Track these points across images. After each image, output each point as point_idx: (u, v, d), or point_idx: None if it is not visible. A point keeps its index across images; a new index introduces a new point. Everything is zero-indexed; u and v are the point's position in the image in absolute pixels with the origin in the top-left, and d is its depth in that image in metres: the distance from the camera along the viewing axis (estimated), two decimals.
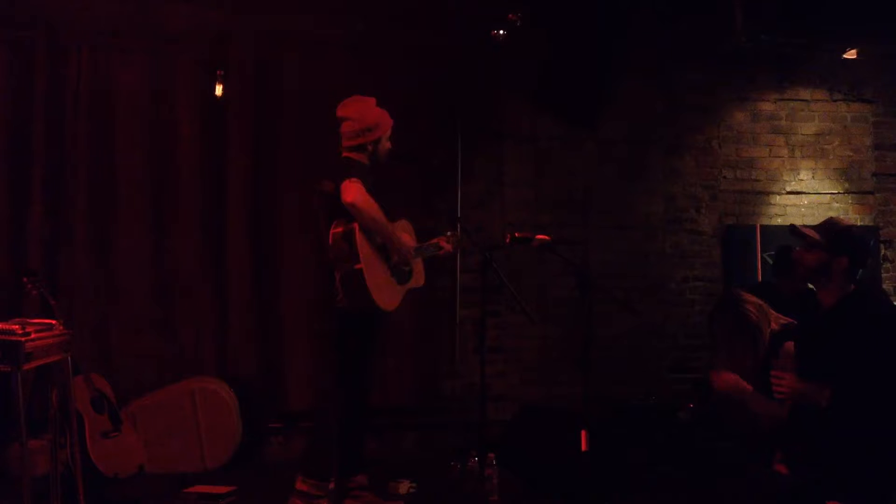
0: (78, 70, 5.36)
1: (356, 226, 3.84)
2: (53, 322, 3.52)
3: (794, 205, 6.62)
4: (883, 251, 6.68)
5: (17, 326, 3.21)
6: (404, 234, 4.21)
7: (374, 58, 5.73)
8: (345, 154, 4.12)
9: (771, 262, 6.09)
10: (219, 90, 5.49)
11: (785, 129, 6.65)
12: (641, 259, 6.34)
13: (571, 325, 5.75)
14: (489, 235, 5.76)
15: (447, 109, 5.84)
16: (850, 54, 6.37)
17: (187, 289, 5.50)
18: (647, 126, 6.39)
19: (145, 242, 5.47)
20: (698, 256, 6.47)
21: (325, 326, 4.11)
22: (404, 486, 4.59)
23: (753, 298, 3.51)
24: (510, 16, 5.23)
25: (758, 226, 6.50)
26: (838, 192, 6.69)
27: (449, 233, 4.40)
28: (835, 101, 6.71)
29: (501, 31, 5.30)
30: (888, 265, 6.72)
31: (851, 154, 6.71)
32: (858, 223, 6.43)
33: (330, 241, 3.90)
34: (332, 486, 4.03)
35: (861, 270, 3.03)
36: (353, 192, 3.79)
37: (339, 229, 3.88)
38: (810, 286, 3.26)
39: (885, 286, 6.62)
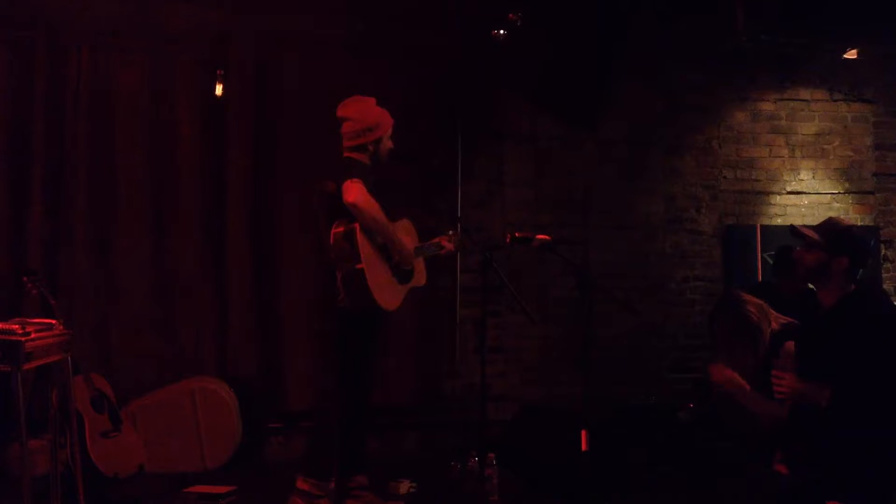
0: (78, 70, 5.36)
1: (357, 226, 3.84)
2: (53, 322, 3.52)
3: (795, 205, 6.62)
4: (883, 251, 6.68)
5: (17, 326, 3.21)
6: (406, 234, 4.21)
7: (374, 58, 5.72)
8: (346, 154, 4.13)
9: (771, 262, 6.09)
10: (219, 90, 5.49)
11: (785, 129, 6.65)
12: (641, 259, 6.34)
13: (571, 325, 5.75)
14: (489, 235, 5.75)
15: (447, 109, 5.84)
16: (851, 54, 6.37)
17: (187, 289, 5.50)
18: (647, 126, 6.39)
19: (145, 242, 5.46)
20: (698, 256, 6.46)
21: (325, 326, 4.11)
22: (404, 486, 4.59)
23: (754, 299, 3.51)
24: (510, 16, 5.23)
25: (758, 226, 6.50)
26: (839, 192, 6.69)
27: (450, 232, 4.40)
28: (835, 101, 6.70)
29: (501, 31, 5.30)
30: (888, 265, 6.71)
31: (852, 154, 6.71)
32: (859, 223, 6.44)
33: (331, 240, 3.90)
34: (332, 485, 4.04)
35: (861, 270, 3.03)
36: (355, 192, 3.79)
37: (341, 229, 3.89)
38: (811, 286, 3.26)
39: (885, 286, 6.62)
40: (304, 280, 5.47)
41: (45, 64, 5.31)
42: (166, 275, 5.49)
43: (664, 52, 6.33)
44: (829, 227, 3.07)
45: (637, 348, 6.19)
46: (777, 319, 3.44)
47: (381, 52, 5.77)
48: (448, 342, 5.91)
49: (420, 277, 4.34)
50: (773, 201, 6.60)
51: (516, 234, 4.15)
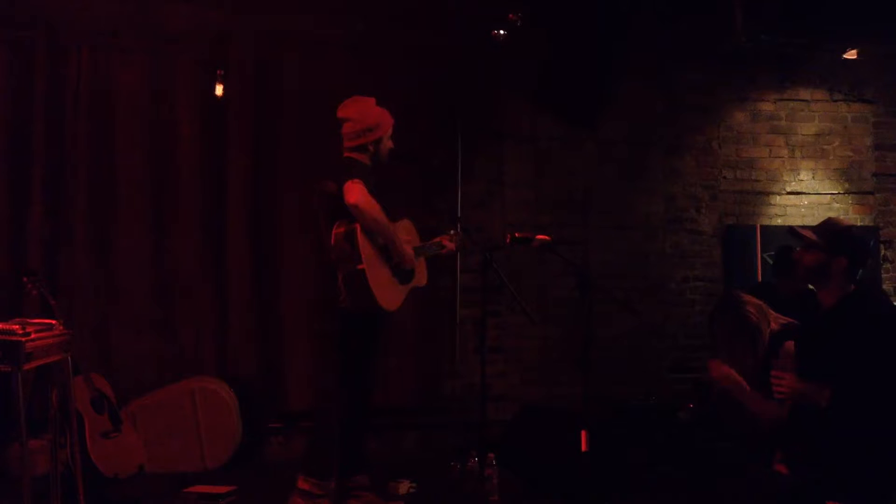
0: (78, 70, 5.36)
1: (358, 226, 3.84)
2: (53, 322, 3.52)
3: (795, 205, 6.62)
4: (883, 251, 6.68)
5: (17, 326, 3.20)
6: (406, 234, 4.21)
7: (374, 58, 5.72)
8: (346, 155, 4.12)
9: (771, 262, 6.09)
10: (219, 90, 5.49)
11: (785, 129, 6.65)
12: (641, 259, 6.34)
13: (571, 325, 5.75)
14: (489, 235, 5.75)
15: (447, 109, 5.84)
16: (851, 54, 6.37)
17: (187, 289, 5.50)
18: (647, 126, 6.39)
19: (145, 242, 5.46)
20: (698, 256, 6.47)
21: (325, 326, 4.11)
22: (404, 486, 4.59)
23: (753, 299, 3.52)
24: (510, 16, 5.23)
25: (758, 226, 6.50)
26: (838, 193, 6.69)
27: (452, 231, 4.40)
28: (835, 101, 6.71)
29: (501, 31, 5.30)
30: (888, 265, 6.72)
31: (851, 154, 6.71)
32: (858, 223, 6.44)
33: (332, 241, 3.90)
34: (333, 485, 4.04)
35: (861, 271, 3.03)
36: (356, 193, 3.79)
37: (342, 230, 3.89)
38: (810, 287, 3.27)
39: (885, 286, 6.62)
40: (304, 280, 5.47)
41: (45, 64, 5.31)
42: (166, 275, 5.49)
43: (664, 52, 6.33)
44: (829, 228, 3.07)
45: (637, 348, 6.19)
46: (776, 320, 3.45)
47: (381, 52, 5.77)
48: (448, 342, 5.91)
49: (421, 277, 4.34)
50: (772, 201, 6.60)
51: (516, 235, 4.15)
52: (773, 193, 6.61)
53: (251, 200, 5.58)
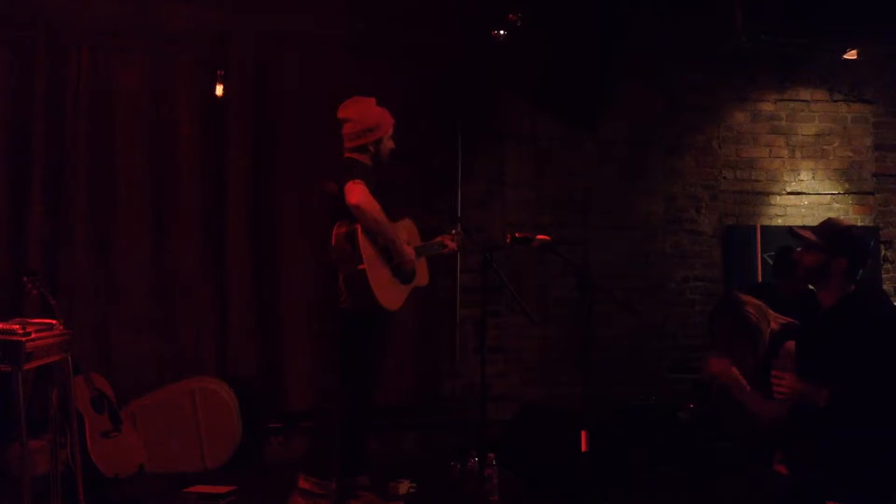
0: (78, 70, 5.36)
1: (359, 227, 3.84)
2: (53, 322, 3.52)
3: (795, 205, 6.62)
4: (883, 252, 6.68)
5: (17, 326, 3.20)
6: (408, 234, 4.21)
7: (374, 58, 5.73)
8: (347, 155, 4.13)
9: (771, 262, 6.09)
10: (219, 90, 5.49)
11: (785, 129, 6.65)
12: (641, 259, 6.34)
13: (571, 325, 5.74)
14: (489, 235, 5.75)
15: (447, 109, 5.84)
16: (851, 55, 6.37)
17: (187, 289, 5.50)
18: (647, 126, 6.39)
19: (145, 242, 5.46)
20: (698, 257, 6.47)
21: (325, 326, 4.11)
22: (404, 486, 4.59)
23: (753, 300, 3.52)
24: (510, 16, 5.23)
25: (758, 226, 6.50)
26: (838, 193, 6.69)
27: (453, 231, 4.41)
28: (835, 101, 6.71)
29: (501, 31, 5.29)
30: (888, 266, 6.72)
31: (852, 155, 6.71)
32: (858, 224, 6.44)
33: (333, 241, 3.90)
34: (333, 485, 4.03)
35: (861, 271, 3.03)
36: (357, 193, 3.79)
37: (342, 230, 3.89)
38: (811, 287, 3.27)
39: (885, 287, 6.62)
40: (304, 280, 5.46)
41: (45, 64, 5.31)
42: (166, 275, 5.49)
43: (664, 52, 6.33)
44: (829, 228, 3.07)
45: (637, 348, 6.19)
46: (776, 320, 3.45)
47: (381, 52, 5.77)
48: (448, 342, 5.91)
49: (422, 277, 4.34)
50: (773, 202, 6.60)
51: (516, 235, 4.15)
52: (774, 194, 6.61)
53: (251, 200, 5.58)
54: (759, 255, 6.44)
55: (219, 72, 5.48)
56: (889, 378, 2.82)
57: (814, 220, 6.33)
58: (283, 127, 5.66)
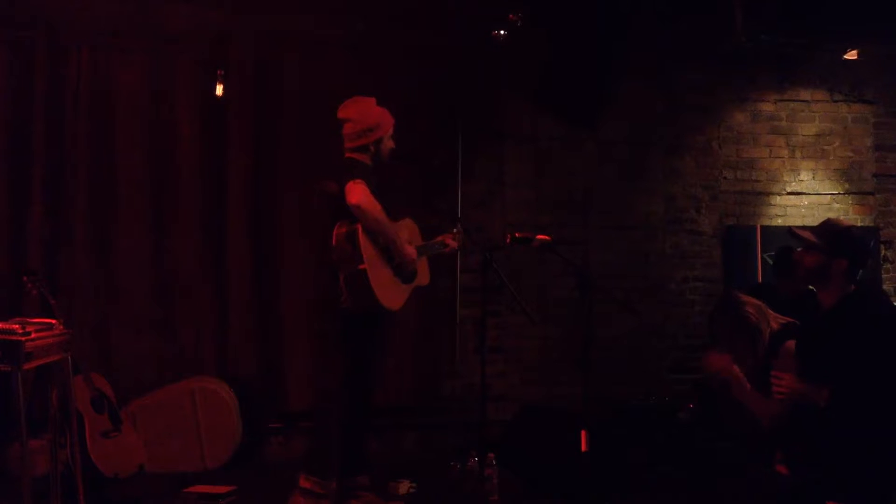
0: (78, 70, 5.36)
1: (359, 227, 3.84)
2: (53, 322, 3.52)
3: (795, 205, 6.62)
4: (883, 252, 6.68)
5: (17, 326, 3.20)
6: (409, 233, 4.22)
7: (374, 58, 5.72)
8: (347, 155, 4.13)
9: (771, 262, 6.09)
10: (219, 90, 5.49)
11: (785, 129, 6.65)
12: (641, 259, 6.34)
13: (571, 325, 5.74)
14: (489, 235, 5.75)
15: (447, 109, 5.84)
16: (851, 55, 6.37)
17: (187, 289, 5.50)
18: (647, 126, 6.39)
19: (145, 242, 5.46)
20: (698, 257, 6.47)
21: (325, 326, 4.11)
22: (404, 486, 4.59)
23: (752, 300, 3.52)
24: (510, 16, 5.23)
25: (758, 226, 6.50)
26: (839, 193, 6.68)
27: (455, 230, 4.41)
28: (835, 101, 6.70)
29: (501, 31, 5.29)
30: (888, 266, 6.71)
31: (852, 155, 6.71)
32: (858, 224, 6.44)
33: (333, 241, 3.90)
34: (334, 485, 4.04)
35: (861, 271, 3.03)
36: (358, 193, 3.79)
37: (343, 230, 3.89)
38: (811, 287, 3.26)
39: (885, 287, 6.61)
40: (304, 280, 5.46)
41: (45, 64, 5.31)
42: (166, 275, 5.49)
43: (664, 52, 6.33)
44: (828, 229, 3.07)
45: (637, 348, 6.19)
46: (776, 319, 3.45)
47: (381, 52, 5.77)
48: (448, 342, 5.91)
49: (423, 276, 4.34)
50: (773, 202, 6.60)
51: (516, 235, 4.15)
52: (774, 194, 6.60)
53: (251, 200, 5.58)
54: (759, 256, 6.44)
55: (219, 72, 5.48)
56: (889, 378, 2.82)
57: (814, 220, 6.33)
58: (283, 127, 5.66)
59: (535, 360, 6.08)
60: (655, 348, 6.30)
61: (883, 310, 3.20)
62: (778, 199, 6.61)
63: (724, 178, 6.55)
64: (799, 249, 3.10)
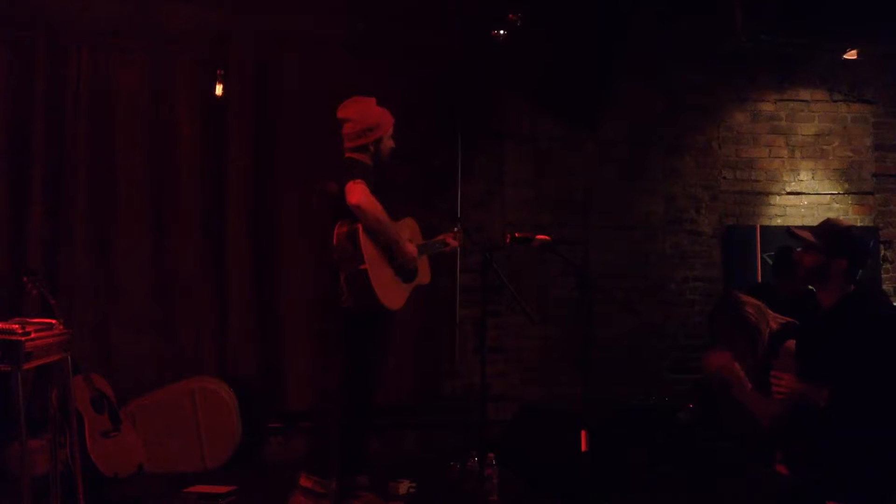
0: (78, 70, 5.36)
1: (360, 226, 3.84)
2: (53, 321, 3.52)
3: (794, 205, 6.62)
4: (883, 252, 6.68)
5: (17, 326, 3.20)
6: (409, 233, 4.22)
7: (374, 58, 5.73)
8: (347, 155, 4.13)
9: (771, 262, 6.09)
10: (219, 90, 5.49)
11: (785, 129, 6.65)
12: (641, 259, 6.34)
13: (571, 325, 5.74)
14: (489, 235, 5.75)
15: (447, 109, 5.84)
16: (851, 55, 6.37)
17: (187, 289, 5.50)
18: (647, 126, 6.39)
19: (145, 242, 5.46)
20: (698, 257, 6.47)
21: (326, 326, 4.11)
22: (404, 486, 4.59)
23: (752, 300, 3.52)
24: (510, 16, 5.23)
25: (758, 226, 6.50)
26: (838, 193, 6.69)
27: (455, 229, 4.41)
28: (835, 101, 6.71)
29: (501, 31, 5.30)
30: (888, 265, 6.72)
31: (851, 155, 6.71)
32: (858, 224, 6.44)
33: (334, 241, 3.90)
34: (334, 485, 4.04)
35: (861, 271, 3.03)
36: (358, 193, 3.80)
37: (344, 230, 3.89)
38: (811, 287, 3.26)
39: (885, 286, 6.62)
40: (304, 280, 5.46)
41: (45, 64, 5.31)
42: (166, 275, 5.49)
43: (664, 52, 6.33)
44: (828, 229, 3.07)
45: (637, 348, 6.19)
46: (776, 319, 3.45)
47: (381, 52, 5.77)
48: (448, 342, 5.91)
49: (424, 275, 4.34)
50: (772, 202, 6.60)
51: (516, 235, 4.15)
52: (773, 194, 6.61)
53: (251, 200, 5.58)
54: (759, 256, 6.44)
55: (219, 72, 5.48)
56: (889, 378, 2.82)
57: (814, 220, 6.33)
58: (283, 127, 5.66)
59: (535, 360, 6.08)
60: (655, 348, 6.30)
61: (883, 310, 3.20)
62: (777, 199, 6.61)
63: (724, 178, 6.55)
64: (798, 249, 3.10)
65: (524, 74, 5.96)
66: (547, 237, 4.14)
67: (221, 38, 5.58)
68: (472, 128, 5.93)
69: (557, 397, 5.80)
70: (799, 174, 6.64)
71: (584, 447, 3.64)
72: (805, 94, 6.67)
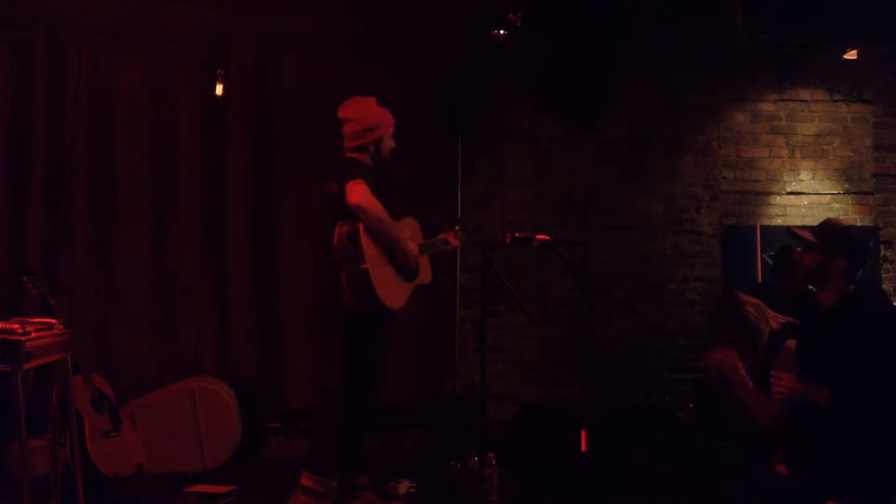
0: (78, 70, 5.36)
1: (361, 226, 3.85)
2: (53, 321, 3.52)
3: (795, 205, 6.62)
4: (883, 252, 6.68)
5: (17, 325, 3.20)
6: (410, 232, 4.22)
7: (374, 58, 5.73)
8: (347, 155, 4.13)
9: (771, 262, 6.09)
10: (219, 90, 5.49)
11: (785, 129, 6.65)
12: (641, 259, 6.34)
13: (571, 325, 5.75)
14: (489, 235, 5.75)
15: (447, 109, 5.84)
16: (851, 55, 6.37)
17: (187, 289, 5.50)
18: (647, 126, 6.39)
19: (145, 242, 5.46)
20: (698, 257, 6.47)
21: (326, 326, 4.11)
22: (404, 486, 4.59)
23: (752, 299, 3.52)
24: (510, 16, 5.23)
25: (758, 226, 6.50)
26: (838, 193, 6.69)
27: (456, 227, 4.41)
28: (835, 101, 6.70)
29: (501, 31, 5.30)
30: (888, 265, 6.72)
31: (851, 155, 6.71)
32: (858, 224, 6.44)
33: (335, 241, 3.90)
34: (334, 485, 4.04)
35: (861, 271, 3.03)
36: (359, 193, 3.80)
37: (345, 230, 3.89)
38: (811, 287, 3.26)
39: (885, 286, 6.62)
40: (304, 280, 5.46)
41: (45, 64, 5.31)
42: (166, 275, 5.49)
43: (664, 52, 6.33)
44: (828, 229, 3.07)
45: (637, 348, 6.19)
46: (776, 319, 3.45)
47: (381, 52, 5.77)
48: (448, 342, 5.91)
49: (425, 275, 4.35)
50: (772, 202, 6.60)
51: (516, 235, 4.15)
52: (773, 194, 6.61)
53: (251, 200, 5.58)
54: (759, 255, 6.44)
55: (219, 72, 5.48)
56: (889, 378, 2.82)
57: (814, 220, 6.33)
58: (283, 127, 5.66)
59: (535, 360, 6.07)
60: (655, 348, 6.30)
61: (883, 310, 3.20)
62: (778, 199, 6.61)
63: (724, 177, 6.55)
64: (798, 249, 3.10)
65: (524, 74, 5.96)
66: (547, 237, 4.14)
67: (221, 38, 5.58)
68: (472, 128, 5.93)
69: (557, 397, 5.80)
70: (799, 174, 6.64)
71: (584, 447, 3.64)
72: (805, 94, 6.67)
